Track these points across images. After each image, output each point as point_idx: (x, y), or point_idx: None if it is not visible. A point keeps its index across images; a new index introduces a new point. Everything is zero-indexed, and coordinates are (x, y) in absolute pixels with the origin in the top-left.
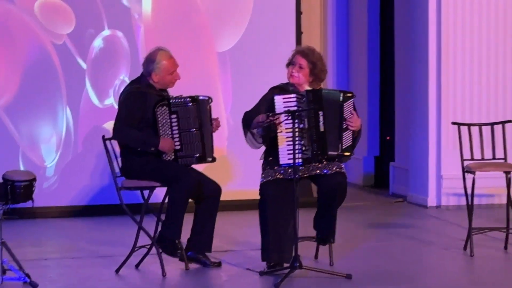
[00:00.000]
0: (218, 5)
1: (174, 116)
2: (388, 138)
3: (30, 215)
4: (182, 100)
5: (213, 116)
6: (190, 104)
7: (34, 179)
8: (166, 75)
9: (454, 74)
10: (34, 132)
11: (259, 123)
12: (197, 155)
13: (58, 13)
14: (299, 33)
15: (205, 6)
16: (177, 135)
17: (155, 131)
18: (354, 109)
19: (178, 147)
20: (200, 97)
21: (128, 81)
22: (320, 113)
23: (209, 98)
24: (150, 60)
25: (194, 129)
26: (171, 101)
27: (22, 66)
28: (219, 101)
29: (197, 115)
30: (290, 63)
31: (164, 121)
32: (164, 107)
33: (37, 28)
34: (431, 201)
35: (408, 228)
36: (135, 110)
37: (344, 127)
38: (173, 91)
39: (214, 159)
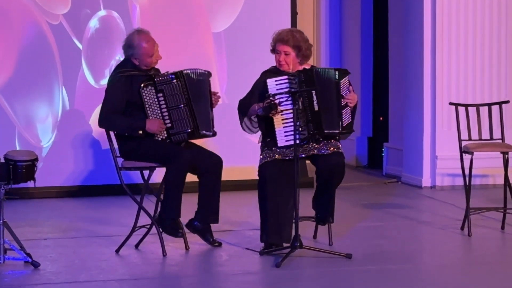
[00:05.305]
0: None
1: (160, 94)
2: (381, 118)
3: (27, 195)
4: (166, 77)
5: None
6: (175, 80)
7: (36, 159)
8: (146, 58)
9: (449, 54)
10: (30, 113)
11: (257, 109)
12: (189, 130)
13: None
14: (294, 13)
15: None
16: (166, 113)
17: (145, 112)
18: (350, 85)
19: (169, 125)
20: (186, 71)
21: None
22: (313, 92)
23: (209, 72)
24: (128, 45)
25: (182, 105)
26: (155, 79)
27: (18, 47)
28: (214, 81)
29: (182, 90)
30: (275, 51)
31: (151, 101)
32: (150, 87)
33: (33, 8)
34: (426, 181)
35: (404, 208)
36: (120, 96)
37: (342, 104)
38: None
39: (214, 134)
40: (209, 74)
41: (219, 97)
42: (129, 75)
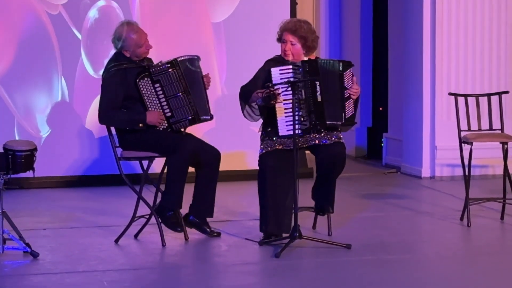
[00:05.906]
0: None
1: (157, 85)
2: (381, 109)
3: (26, 185)
4: (162, 67)
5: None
6: (170, 69)
7: (35, 149)
8: (136, 49)
9: (448, 44)
10: (30, 103)
11: (258, 95)
12: (190, 117)
13: None
14: (293, 3)
15: None
16: (165, 103)
17: (143, 104)
18: (353, 77)
19: (169, 114)
20: (180, 58)
21: None
22: (317, 83)
23: (198, 56)
24: (117, 38)
25: (180, 93)
26: (151, 70)
27: (17, 37)
28: (213, 71)
29: (179, 78)
30: (281, 40)
31: (148, 92)
32: (146, 78)
33: None
34: (425, 171)
35: (403, 198)
36: (116, 91)
37: (346, 96)
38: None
39: (211, 117)
40: (198, 58)
41: (210, 78)
42: (123, 68)
